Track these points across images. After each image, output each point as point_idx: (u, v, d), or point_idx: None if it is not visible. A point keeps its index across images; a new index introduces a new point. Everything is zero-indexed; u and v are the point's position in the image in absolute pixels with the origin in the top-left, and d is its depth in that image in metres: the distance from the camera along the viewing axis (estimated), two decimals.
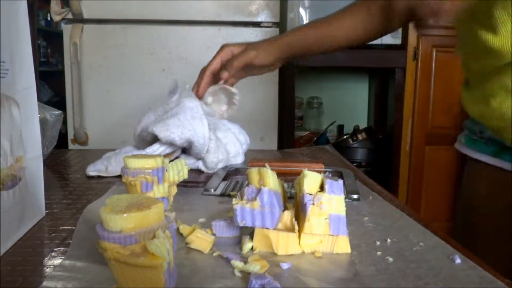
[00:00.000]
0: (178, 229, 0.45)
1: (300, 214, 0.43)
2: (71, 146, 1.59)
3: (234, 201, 0.42)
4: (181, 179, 0.56)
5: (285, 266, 0.39)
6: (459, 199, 0.76)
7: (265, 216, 0.41)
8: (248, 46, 0.80)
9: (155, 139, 0.73)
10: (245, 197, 0.42)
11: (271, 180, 0.42)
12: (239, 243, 0.44)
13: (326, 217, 0.41)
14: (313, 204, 0.41)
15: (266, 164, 0.43)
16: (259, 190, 0.41)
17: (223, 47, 0.80)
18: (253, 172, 0.43)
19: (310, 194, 0.42)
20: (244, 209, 0.41)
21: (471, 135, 0.71)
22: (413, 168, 2.06)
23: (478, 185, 0.70)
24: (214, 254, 0.41)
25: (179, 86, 0.78)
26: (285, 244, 0.42)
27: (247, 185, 0.43)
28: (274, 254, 0.42)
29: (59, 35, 2.07)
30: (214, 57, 0.80)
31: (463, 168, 0.75)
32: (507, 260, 0.61)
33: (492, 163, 0.66)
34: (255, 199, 0.41)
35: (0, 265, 0.40)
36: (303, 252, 0.42)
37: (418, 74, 2.01)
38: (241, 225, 0.41)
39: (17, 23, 0.46)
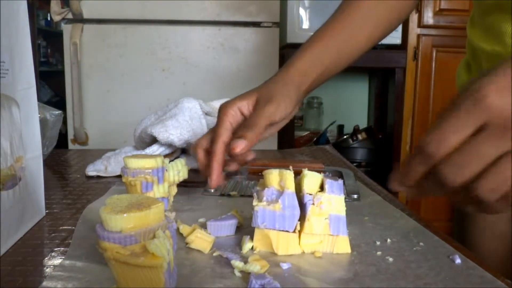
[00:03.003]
0: (178, 229, 0.45)
1: (300, 214, 0.43)
2: (71, 146, 1.59)
3: (254, 202, 0.41)
4: (181, 179, 0.56)
5: (285, 266, 0.39)
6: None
7: (286, 218, 0.40)
8: (258, 95, 0.55)
9: (154, 140, 0.73)
10: (264, 199, 0.41)
11: (293, 182, 0.42)
12: (239, 243, 0.44)
13: (326, 217, 0.41)
14: (313, 204, 0.41)
15: (291, 167, 0.43)
16: (279, 192, 0.41)
17: (223, 108, 0.55)
18: (273, 174, 0.42)
19: (310, 194, 0.42)
20: (265, 211, 0.40)
21: None
22: None
23: None
24: (214, 254, 0.41)
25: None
26: (285, 244, 0.41)
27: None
28: (274, 254, 0.42)
29: (59, 35, 2.07)
30: (219, 124, 0.54)
31: None
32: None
33: None
34: (276, 201, 0.40)
35: (0, 265, 0.40)
36: (303, 252, 0.42)
37: (418, 74, 2.01)
38: (262, 227, 0.41)
39: (17, 23, 0.46)
